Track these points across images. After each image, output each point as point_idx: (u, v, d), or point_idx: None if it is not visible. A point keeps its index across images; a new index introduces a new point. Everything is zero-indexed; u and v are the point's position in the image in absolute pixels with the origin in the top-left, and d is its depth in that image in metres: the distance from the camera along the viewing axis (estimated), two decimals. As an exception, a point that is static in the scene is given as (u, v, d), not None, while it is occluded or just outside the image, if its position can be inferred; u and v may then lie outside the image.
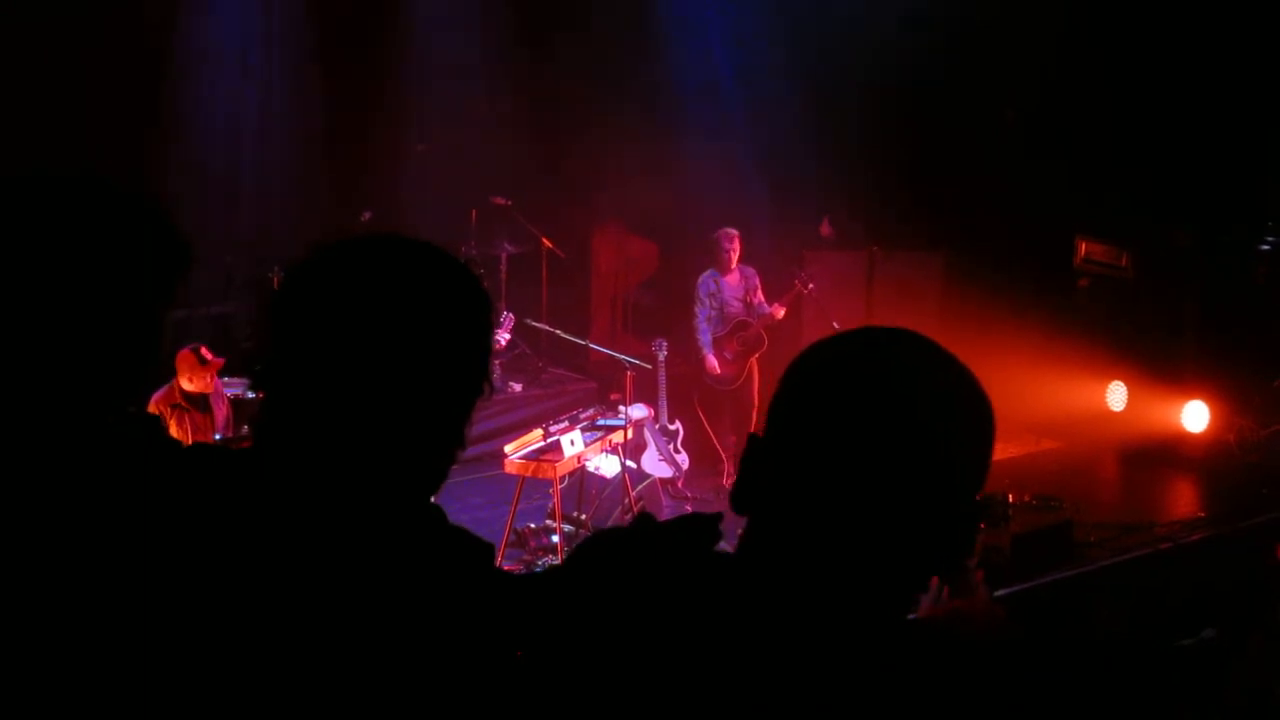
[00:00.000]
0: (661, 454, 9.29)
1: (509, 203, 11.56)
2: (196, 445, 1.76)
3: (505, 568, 5.92)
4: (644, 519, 1.60)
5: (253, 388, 1.65)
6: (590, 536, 1.64)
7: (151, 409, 6.97)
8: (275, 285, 10.66)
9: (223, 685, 1.45)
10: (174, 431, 6.98)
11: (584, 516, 8.34)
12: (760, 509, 1.45)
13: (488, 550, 1.68)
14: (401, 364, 1.57)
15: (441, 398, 1.63)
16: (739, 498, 1.47)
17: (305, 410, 1.59)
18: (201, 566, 1.49)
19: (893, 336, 1.46)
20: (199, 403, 7.15)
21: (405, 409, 1.59)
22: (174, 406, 7.05)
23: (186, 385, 7.06)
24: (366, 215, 11.13)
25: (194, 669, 1.46)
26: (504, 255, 11.46)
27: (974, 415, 1.41)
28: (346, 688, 1.46)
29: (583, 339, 9.61)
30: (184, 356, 7.06)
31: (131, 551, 1.51)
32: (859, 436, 1.36)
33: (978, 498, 1.43)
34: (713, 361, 9.94)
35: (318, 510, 1.54)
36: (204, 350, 7.10)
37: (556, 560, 7.69)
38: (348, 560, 1.51)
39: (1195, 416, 9.59)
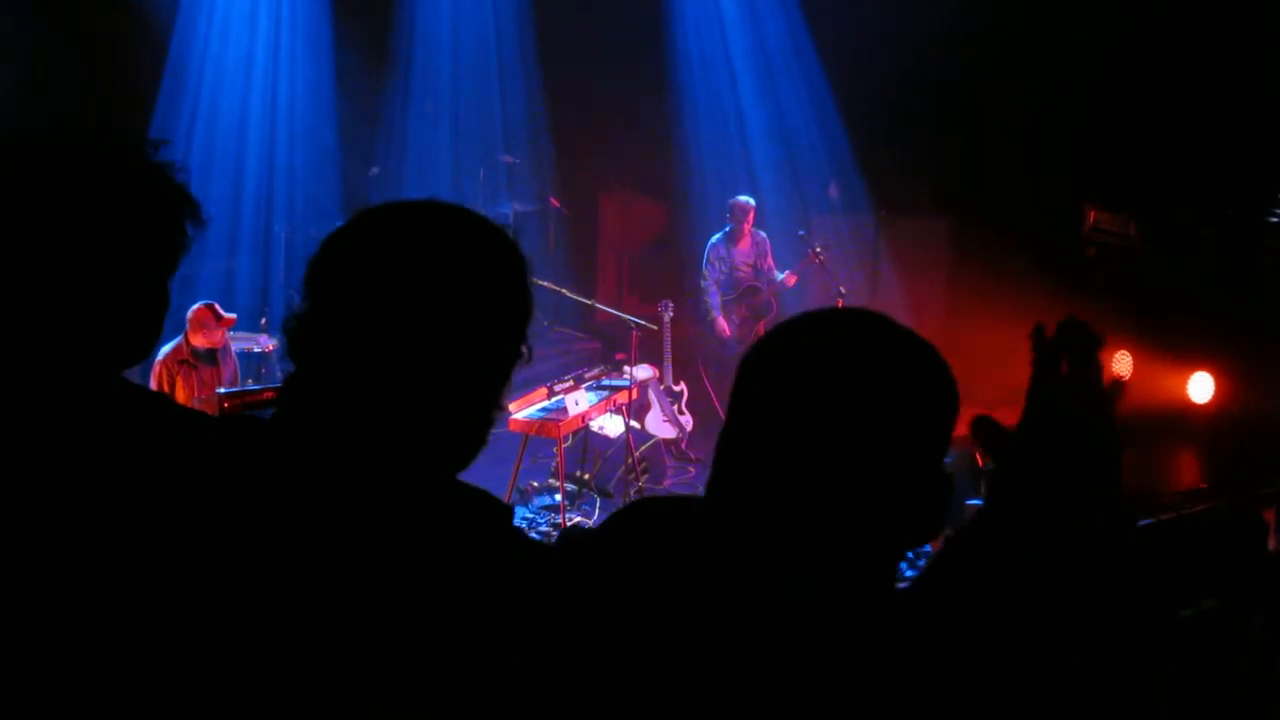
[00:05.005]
0: (665, 415, 9.29)
1: (517, 161, 11.52)
2: (224, 416, 1.74)
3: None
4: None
5: (290, 354, 1.62)
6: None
7: (160, 366, 7.02)
8: (281, 240, 10.73)
9: (229, 667, 1.44)
10: (180, 386, 7.03)
11: (587, 476, 8.36)
12: (725, 497, 1.47)
13: (507, 513, 1.67)
14: (444, 328, 1.55)
15: (482, 363, 1.61)
16: (711, 489, 1.49)
17: (345, 376, 1.56)
18: (222, 537, 1.47)
19: (842, 316, 1.49)
20: (207, 358, 7.19)
21: (447, 375, 1.57)
22: (182, 362, 7.08)
23: (197, 341, 7.10)
24: (374, 171, 11.11)
25: (203, 646, 1.44)
26: (511, 214, 11.44)
27: (927, 388, 1.44)
28: (358, 669, 1.45)
29: (588, 298, 9.60)
30: (199, 313, 7.10)
31: (143, 522, 1.49)
32: (811, 414, 1.40)
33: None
34: (722, 323, 9.95)
35: (354, 479, 1.52)
36: (217, 308, 7.14)
37: (558, 519, 7.73)
38: (381, 533, 1.49)
39: (1201, 387, 9.57)
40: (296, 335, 1.60)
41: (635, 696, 1.41)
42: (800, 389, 1.41)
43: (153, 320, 1.77)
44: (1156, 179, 9.93)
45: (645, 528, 1.57)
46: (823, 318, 1.51)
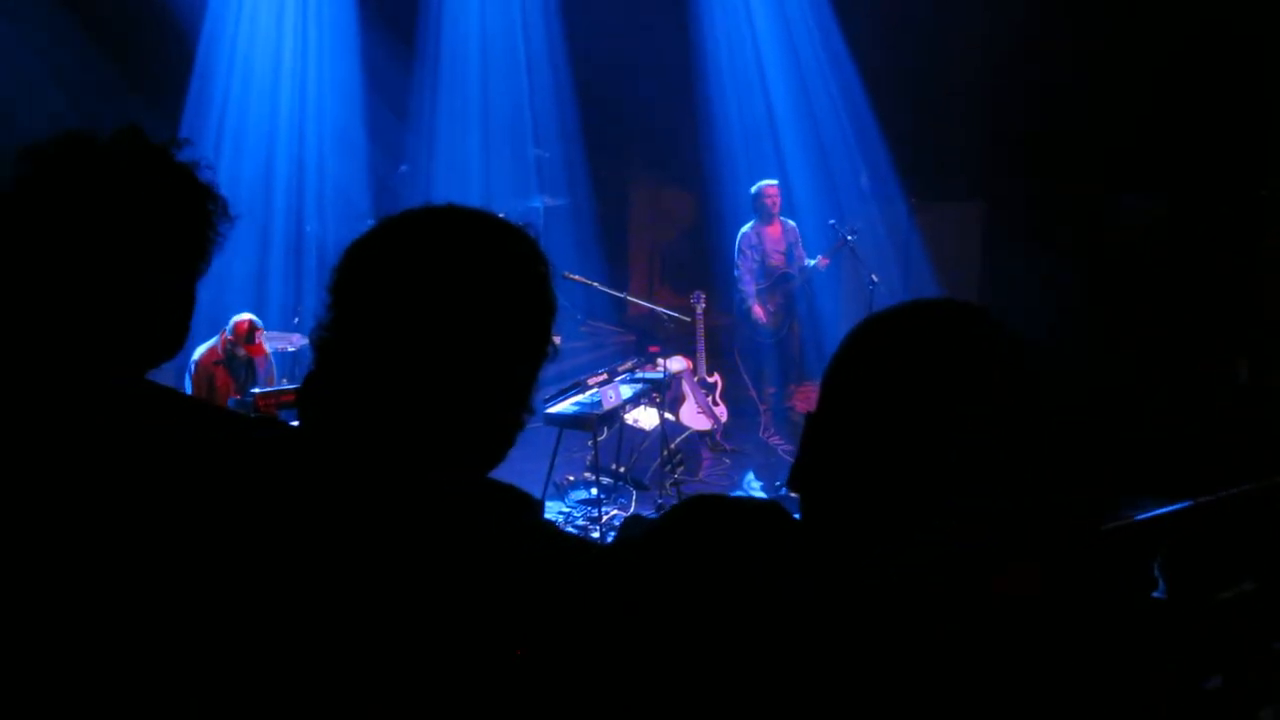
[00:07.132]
0: (700, 407, 9.28)
1: (546, 154, 11.53)
2: (260, 418, 1.74)
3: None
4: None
5: (319, 364, 1.62)
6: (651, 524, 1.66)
7: (198, 366, 7.18)
8: (313, 239, 10.78)
9: (231, 668, 1.43)
10: (216, 386, 7.16)
11: (622, 469, 8.36)
12: (820, 485, 1.49)
13: (534, 506, 1.67)
14: (469, 332, 1.56)
15: (509, 364, 1.61)
16: (796, 477, 1.51)
17: (372, 383, 1.56)
18: (233, 539, 1.47)
19: (944, 306, 1.50)
20: (243, 358, 7.37)
21: (475, 378, 1.57)
22: (217, 363, 7.28)
23: (232, 346, 7.28)
24: (404, 168, 11.14)
25: (205, 647, 1.43)
26: (541, 208, 11.45)
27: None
28: (363, 665, 1.44)
29: (621, 291, 9.60)
30: (241, 325, 7.37)
31: (155, 524, 1.49)
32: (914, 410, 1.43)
33: None
34: (759, 311, 9.94)
35: (379, 481, 1.52)
36: (259, 334, 7.33)
37: (595, 512, 7.73)
38: (403, 532, 1.49)
39: (1240, 369, 9.50)
40: (325, 345, 1.61)
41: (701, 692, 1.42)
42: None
43: (178, 320, 1.77)
44: (1189, 162, 9.86)
45: (715, 525, 1.58)
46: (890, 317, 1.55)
